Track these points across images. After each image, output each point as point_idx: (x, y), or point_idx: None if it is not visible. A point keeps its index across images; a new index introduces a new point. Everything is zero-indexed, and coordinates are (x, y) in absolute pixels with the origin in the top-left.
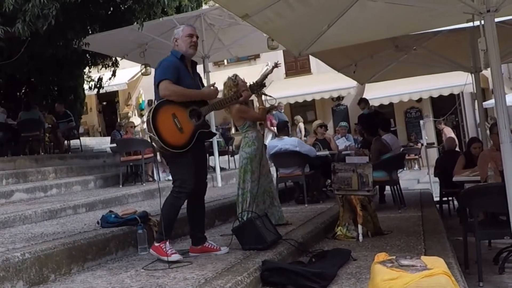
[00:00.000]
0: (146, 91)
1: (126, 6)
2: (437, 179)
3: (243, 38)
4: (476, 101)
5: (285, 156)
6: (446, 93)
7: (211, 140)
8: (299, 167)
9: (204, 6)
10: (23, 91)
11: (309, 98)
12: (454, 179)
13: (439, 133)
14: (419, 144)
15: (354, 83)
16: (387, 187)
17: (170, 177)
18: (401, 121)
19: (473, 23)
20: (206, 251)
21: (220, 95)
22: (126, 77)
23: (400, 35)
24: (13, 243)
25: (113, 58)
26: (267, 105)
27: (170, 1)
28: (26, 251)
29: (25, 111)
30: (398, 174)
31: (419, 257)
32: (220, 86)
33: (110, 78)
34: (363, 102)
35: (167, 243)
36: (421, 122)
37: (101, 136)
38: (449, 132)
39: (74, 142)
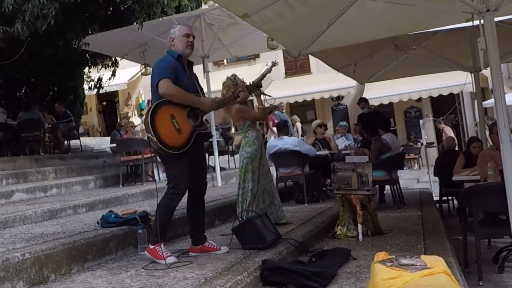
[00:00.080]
0: (146, 91)
1: (125, 6)
2: (436, 178)
3: (242, 38)
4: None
5: (285, 156)
6: (445, 92)
7: (210, 140)
8: (299, 166)
9: (204, 6)
10: (23, 91)
11: (308, 98)
12: (454, 178)
13: (438, 133)
14: (419, 144)
15: (353, 82)
16: (387, 187)
17: None
18: (400, 120)
19: (473, 22)
20: (206, 250)
21: (219, 95)
22: (126, 77)
23: (399, 35)
24: (13, 243)
25: (113, 58)
26: (267, 105)
27: (170, 1)
28: (26, 251)
29: (25, 111)
30: (397, 174)
31: (419, 256)
32: (219, 86)
33: (110, 78)
34: (362, 101)
35: (162, 245)
36: (421, 121)
37: (101, 136)
38: (449, 132)
39: (74, 142)
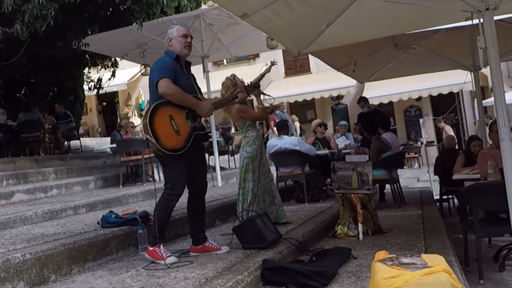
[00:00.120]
0: (146, 91)
1: (125, 6)
2: (437, 177)
3: (242, 37)
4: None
5: (285, 155)
6: (445, 91)
7: (210, 140)
8: (299, 166)
9: (203, 6)
10: (22, 92)
11: (308, 97)
12: (454, 177)
13: (438, 132)
14: (419, 143)
15: (353, 82)
16: (387, 186)
17: None
18: (400, 119)
19: (472, 21)
20: (207, 250)
21: (219, 95)
22: (126, 77)
23: (399, 34)
24: (14, 244)
25: (113, 59)
26: (266, 105)
27: (169, 1)
28: (27, 252)
29: (25, 112)
30: (398, 173)
31: (419, 255)
32: (219, 86)
33: (109, 79)
34: (362, 101)
35: (161, 246)
36: (421, 120)
37: (101, 136)
38: (449, 130)
39: (74, 143)
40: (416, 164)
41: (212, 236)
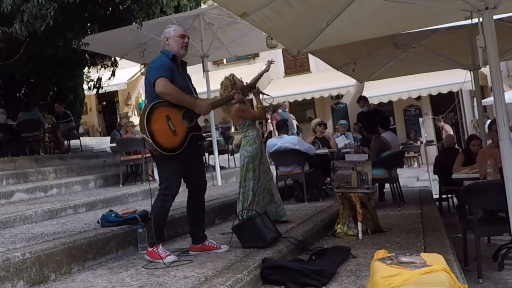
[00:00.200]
0: None
1: (125, 6)
2: (436, 176)
3: (242, 37)
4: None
5: (284, 154)
6: (445, 91)
7: (210, 139)
8: (298, 165)
9: (203, 5)
10: (22, 91)
11: (308, 97)
12: (454, 176)
13: (438, 131)
14: (418, 142)
15: (353, 81)
16: (387, 185)
17: None
18: (400, 119)
19: (472, 20)
20: (206, 249)
21: (217, 94)
22: (126, 77)
23: (398, 33)
24: (14, 243)
25: (112, 58)
26: (265, 104)
27: (169, 0)
28: (27, 251)
29: (24, 112)
30: (397, 172)
31: (419, 254)
32: (219, 86)
33: (109, 78)
34: (362, 100)
35: (160, 246)
36: (420, 120)
37: (101, 136)
38: (449, 130)
39: (74, 142)
40: (416, 164)
41: (212, 235)
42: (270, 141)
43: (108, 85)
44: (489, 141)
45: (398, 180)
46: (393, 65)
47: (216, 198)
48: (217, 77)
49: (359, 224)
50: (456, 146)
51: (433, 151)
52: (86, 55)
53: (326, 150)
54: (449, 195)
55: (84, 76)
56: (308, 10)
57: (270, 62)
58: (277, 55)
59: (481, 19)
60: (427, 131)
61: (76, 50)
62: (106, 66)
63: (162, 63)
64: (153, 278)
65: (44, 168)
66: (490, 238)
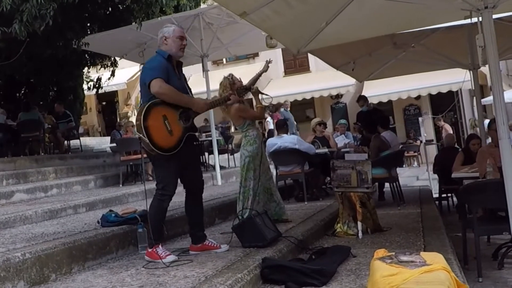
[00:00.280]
0: None
1: (124, 6)
2: (436, 175)
3: (241, 36)
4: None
5: (284, 154)
6: (444, 90)
7: (210, 138)
8: (298, 164)
9: (202, 5)
10: (22, 92)
11: (308, 96)
12: (453, 175)
13: (438, 130)
14: (418, 141)
15: (352, 80)
16: (387, 184)
17: None
18: (400, 118)
19: (471, 19)
20: (206, 249)
21: (217, 94)
22: (125, 77)
23: (398, 33)
24: (14, 243)
25: (112, 58)
26: (264, 104)
27: (168, 0)
28: (27, 251)
29: (24, 112)
30: (397, 171)
31: (419, 253)
32: (218, 85)
33: (109, 78)
34: (362, 99)
35: (160, 246)
36: (420, 119)
37: (101, 136)
38: (449, 129)
39: (74, 142)
40: (416, 163)
41: (212, 235)
42: (269, 141)
43: (108, 85)
44: (489, 140)
45: (397, 180)
46: (393, 64)
47: (216, 198)
48: (217, 76)
49: (359, 224)
50: (456, 145)
51: (432, 151)
52: (86, 55)
53: (325, 150)
54: (449, 194)
55: (84, 76)
56: (307, 9)
57: (268, 62)
58: (276, 54)
59: (480, 19)
60: (427, 131)
61: (76, 50)
62: (105, 66)
63: (157, 64)
64: (153, 278)
65: (44, 168)
66: (490, 237)
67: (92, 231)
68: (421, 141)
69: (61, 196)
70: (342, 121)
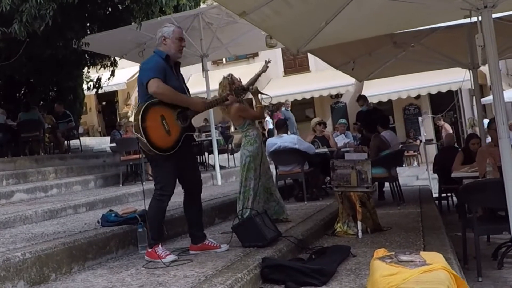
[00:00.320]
0: None
1: (124, 6)
2: (436, 175)
3: (241, 36)
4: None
5: (284, 154)
6: (444, 89)
7: (210, 138)
8: (298, 164)
9: (202, 5)
10: (22, 92)
11: (308, 96)
12: (453, 175)
13: (437, 130)
14: (418, 141)
15: (352, 80)
16: (386, 184)
17: None
18: (399, 118)
19: (471, 19)
20: (206, 249)
21: (217, 94)
22: (125, 77)
23: (397, 32)
24: (14, 243)
25: (112, 58)
26: (264, 104)
27: (168, 0)
28: (27, 251)
29: (24, 112)
30: (397, 171)
31: (418, 252)
32: (217, 85)
33: (109, 78)
34: (361, 99)
35: (160, 246)
36: (420, 118)
37: (100, 136)
38: (448, 128)
39: (74, 142)
40: (415, 162)
41: (212, 234)
42: (269, 140)
43: (108, 85)
44: (488, 140)
45: (397, 179)
46: (393, 64)
47: (216, 198)
48: (217, 76)
49: (359, 223)
50: (456, 145)
51: (432, 150)
52: (86, 55)
53: (325, 149)
54: (449, 194)
55: (84, 76)
56: (307, 9)
57: (267, 62)
58: (276, 54)
59: (480, 18)
60: (427, 130)
61: (75, 50)
62: (105, 66)
63: (154, 64)
64: (153, 277)
65: (44, 168)
66: (490, 236)
67: (92, 231)
68: (421, 141)
69: (61, 196)
70: (342, 120)
